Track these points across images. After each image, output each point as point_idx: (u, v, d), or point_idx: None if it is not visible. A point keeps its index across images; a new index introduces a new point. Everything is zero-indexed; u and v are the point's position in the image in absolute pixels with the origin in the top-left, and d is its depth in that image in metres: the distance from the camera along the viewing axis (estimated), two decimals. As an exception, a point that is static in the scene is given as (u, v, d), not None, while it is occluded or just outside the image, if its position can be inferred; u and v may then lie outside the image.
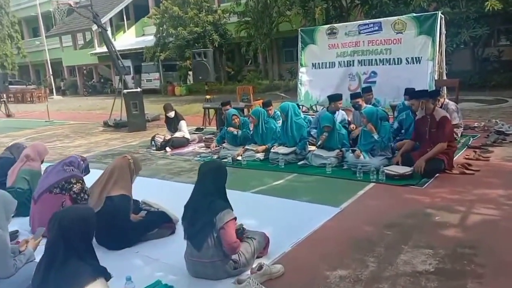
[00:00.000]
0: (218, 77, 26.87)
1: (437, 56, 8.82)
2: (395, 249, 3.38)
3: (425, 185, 4.83)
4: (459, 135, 6.92)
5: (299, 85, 11.00)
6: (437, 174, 5.13)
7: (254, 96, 11.22)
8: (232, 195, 4.72)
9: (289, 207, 4.49)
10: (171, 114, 8.40)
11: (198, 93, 24.16)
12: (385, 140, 5.53)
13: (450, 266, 3.07)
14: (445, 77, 9.13)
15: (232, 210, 3.04)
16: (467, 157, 5.85)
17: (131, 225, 3.75)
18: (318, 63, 10.64)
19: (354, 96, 7.26)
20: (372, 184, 5.03)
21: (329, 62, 10.46)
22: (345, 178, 5.34)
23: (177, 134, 8.22)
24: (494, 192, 4.46)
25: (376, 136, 5.51)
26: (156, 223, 3.87)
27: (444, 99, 6.93)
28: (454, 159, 5.48)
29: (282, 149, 6.34)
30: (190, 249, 3.07)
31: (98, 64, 32.76)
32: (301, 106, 9.27)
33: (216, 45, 22.82)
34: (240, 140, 6.88)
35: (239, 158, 6.51)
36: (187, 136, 8.32)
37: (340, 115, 7.20)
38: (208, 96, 10.47)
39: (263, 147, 6.57)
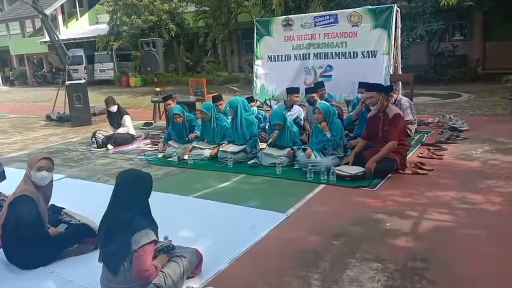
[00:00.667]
0: (175, 68, 26.20)
1: (392, 50, 8.67)
2: (342, 263, 3.07)
3: (377, 187, 4.57)
4: (413, 132, 6.77)
5: (254, 78, 10.63)
6: (389, 175, 4.89)
7: (208, 89, 10.76)
8: (170, 200, 4.34)
9: (232, 214, 4.10)
10: (113, 108, 7.81)
11: (154, 85, 23.33)
12: (337, 139, 5.25)
13: (399, 283, 2.79)
14: (400, 72, 9.01)
15: (154, 230, 2.60)
16: (420, 155, 5.67)
17: (46, 240, 3.25)
18: (274, 56, 10.31)
19: (309, 90, 6.96)
20: (322, 186, 4.73)
21: (285, 55, 10.15)
22: (295, 179, 5.01)
23: (121, 130, 7.65)
24: (447, 195, 4.26)
25: (328, 134, 5.22)
26: (76, 238, 3.39)
27: (398, 94, 6.74)
28: (408, 157, 5.28)
29: (231, 147, 5.95)
30: (106, 273, 2.63)
31: (48, 53, 31.10)
32: (255, 101, 8.89)
33: (173, 35, 22.05)
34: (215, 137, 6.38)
35: (185, 157, 6.06)
36: (132, 132, 7.77)
37: (296, 110, 6.88)
38: (157, 89, 9.91)
39: (215, 150, 6.15)
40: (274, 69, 10.32)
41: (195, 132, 6.41)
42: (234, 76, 21.91)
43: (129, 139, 7.61)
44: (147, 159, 6.36)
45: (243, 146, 5.93)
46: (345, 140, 6.04)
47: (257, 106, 8.61)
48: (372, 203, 4.16)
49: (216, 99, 6.94)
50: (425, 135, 6.86)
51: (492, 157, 5.46)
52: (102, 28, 25.79)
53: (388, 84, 8.26)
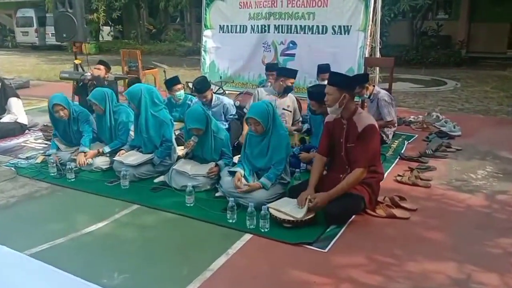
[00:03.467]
0: (135, 36, 23.80)
1: (370, 26, 6.88)
2: None
3: (329, 246, 2.86)
4: (390, 137, 5.08)
5: (202, 53, 8.69)
6: (353, 216, 3.21)
7: (144, 64, 8.77)
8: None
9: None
10: (-7, 87, 5.85)
11: (110, 52, 21.07)
12: (279, 169, 3.52)
13: None
14: (378, 53, 7.25)
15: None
16: (399, 179, 3.99)
17: None
18: (227, 26, 8.35)
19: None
20: (247, 237, 3.00)
21: (240, 26, 8.21)
22: (209, 221, 3.25)
23: (5, 118, 5.70)
24: (440, 271, 2.59)
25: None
26: None
27: (374, 86, 5.00)
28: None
29: (131, 157, 4.13)
30: None
31: (-2, 12, 28.06)
32: (214, 87, 6.97)
33: (134, -3, 19.67)
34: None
35: (72, 166, 4.19)
36: (22, 120, 5.83)
37: (290, 101, 5.06)
38: (76, 61, 7.85)
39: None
40: (226, 42, 8.38)
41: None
42: (198, 47, 19.76)
43: (15, 130, 5.67)
44: (15, 166, 4.47)
45: (149, 156, 4.12)
46: (297, 150, 4.32)
47: (215, 92, 6.74)
48: (317, 285, 2.45)
49: (170, 82, 5.11)
50: (406, 142, 5.18)
51: (499, 187, 3.83)
52: (53, -15, 23.00)
53: (362, 70, 6.57)
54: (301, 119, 5.13)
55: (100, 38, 23.84)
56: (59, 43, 23.33)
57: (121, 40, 24.44)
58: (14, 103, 5.74)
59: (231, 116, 4.93)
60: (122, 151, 4.24)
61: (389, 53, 8.69)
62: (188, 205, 3.48)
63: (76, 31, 7.43)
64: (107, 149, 4.37)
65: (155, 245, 2.93)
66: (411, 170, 4.18)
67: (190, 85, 6.73)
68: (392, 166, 4.39)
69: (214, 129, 3.87)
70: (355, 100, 3.29)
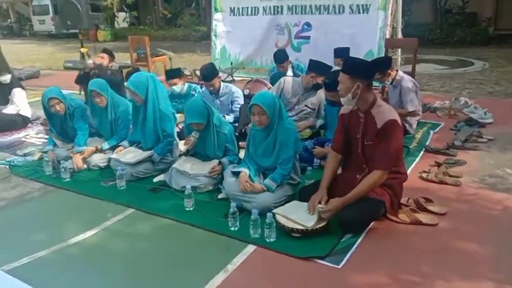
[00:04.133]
0: (151, 21, 23.46)
1: (391, 5, 6.35)
2: None
3: (343, 261, 2.48)
4: (414, 127, 4.62)
5: (213, 37, 8.30)
6: (372, 223, 2.82)
7: (152, 50, 8.42)
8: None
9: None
10: (6, 78, 5.60)
11: (126, 39, 20.73)
12: (286, 169, 3.12)
13: None
14: (400, 34, 6.72)
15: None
16: (424, 176, 3.55)
17: None
18: (238, 8, 7.93)
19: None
20: (250, 248, 2.64)
21: (252, 8, 7.78)
22: (209, 229, 2.90)
23: (8, 109, 5.46)
24: (477, 292, 2.19)
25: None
26: None
27: (397, 71, 4.52)
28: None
29: (129, 155, 3.80)
30: None
31: (15, 1, 28.07)
32: (223, 75, 6.58)
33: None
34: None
35: (66, 165, 3.90)
36: (25, 112, 5.58)
37: (316, 99, 4.43)
38: (82, 49, 7.56)
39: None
40: (238, 26, 7.96)
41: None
42: (213, 32, 19.27)
43: (17, 123, 5.42)
44: (10, 165, 4.21)
45: (148, 153, 3.78)
46: (310, 144, 3.92)
47: (223, 81, 6.34)
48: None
49: (170, 75, 4.79)
50: (431, 132, 4.71)
51: (542, 186, 3.36)
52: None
53: (383, 54, 6.08)
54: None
55: (116, 25, 23.59)
56: (69, 31, 23.46)
57: (137, 27, 24.13)
58: (17, 93, 5.49)
59: (238, 106, 4.53)
60: (120, 148, 3.92)
61: (411, 33, 8.10)
62: (188, 209, 3.14)
63: (81, 18, 7.14)
64: (105, 145, 4.06)
65: (146, 259, 2.60)
66: (438, 165, 3.74)
67: (198, 72, 6.35)
68: (416, 160, 3.95)
69: (216, 123, 3.50)
70: (373, 86, 2.84)
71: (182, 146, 3.93)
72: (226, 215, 2.92)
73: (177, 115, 4.17)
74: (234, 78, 6.64)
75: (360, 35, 6.61)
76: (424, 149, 4.19)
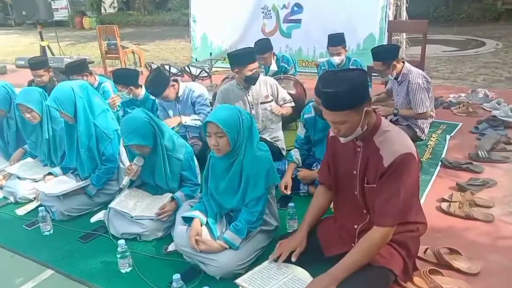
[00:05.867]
0: (138, 6, 22.30)
1: (393, -21, 5.41)
2: None
3: None
4: (427, 131, 3.71)
5: (192, 23, 7.34)
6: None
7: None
8: None
9: None
10: None
11: (114, 26, 19.73)
12: (255, 212, 2.23)
13: None
14: (405, 14, 5.77)
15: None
16: (445, 208, 2.68)
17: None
18: (219, -12, 6.95)
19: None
20: None
21: (234, -13, 6.80)
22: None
23: None
24: None
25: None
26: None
27: (404, 62, 3.59)
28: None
29: (58, 187, 2.92)
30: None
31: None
32: (195, 70, 5.54)
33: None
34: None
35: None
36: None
37: (264, 87, 3.53)
38: (43, 43, 6.62)
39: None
40: (219, 9, 7.01)
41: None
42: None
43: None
44: None
45: (80, 183, 2.92)
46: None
47: (197, 76, 5.26)
48: None
49: (117, 79, 3.74)
50: (447, 137, 3.83)
51: None
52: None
53: (385, 37, 5.17)
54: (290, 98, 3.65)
55: (102, 11, 22.48)
56: (61, 18, 22.34)
57: (125, 12, 22.98)
58: None
59: (204, 108, 3.57)
60: (49, 177, 3.05)
61: (413, 10, 7.14)
62: (123, 271, 2.29)
63: (37, 9, 6.17)
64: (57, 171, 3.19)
65: None
66: (460, 189, 2.86)
67: (168, 67, 5.39)
68: (432, 179, 3.08)
69: (167, 145, 2.62)
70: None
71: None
72: (171, 283, 2.06)
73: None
74: (211, 73, 5.64)
75: (358, 17, 5.67)
76: (440, 162, 3.31)
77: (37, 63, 4.15)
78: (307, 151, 3.12)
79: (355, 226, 2.00)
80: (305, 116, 3.02)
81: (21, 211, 3.04)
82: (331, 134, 2.09)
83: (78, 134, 2.86)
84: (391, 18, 5.50)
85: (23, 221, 2.90)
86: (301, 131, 3.08)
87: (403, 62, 3.54)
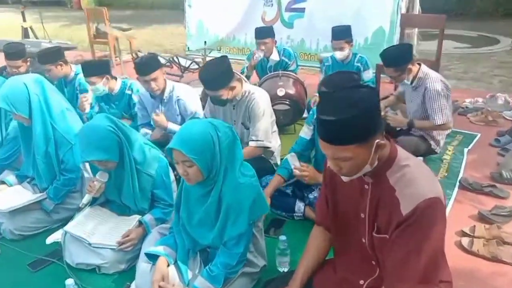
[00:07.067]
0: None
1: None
2: None
3: None
4: (442, 144, 3.26)
5: (187, 8, 6.83)
6: None
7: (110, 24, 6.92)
8: None
9: None
10: None
11: (113, 6, 19.09)
12: (236, 253, 1.79)
13: None
14: (418, 7, 5.27)
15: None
16: (467, 246, 2.24)
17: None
18: (216, -28, 6.44)
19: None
20: None
21: (233, -29, 6.29)
22: None
23: None
24: None
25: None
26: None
27: (420, 65, 3.12)
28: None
29: (10, 198, 2.48)
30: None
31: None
32: (185, 61, 4.99)
33: None
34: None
35: None
36: None
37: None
38: (25, 24, 6.09)
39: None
40: (217, -6, 6.51)
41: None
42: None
43: None
44: None
45: (35, 196, 2.47)
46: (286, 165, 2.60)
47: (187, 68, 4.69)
48: None
49: (87, 71, 3.16)
50: (465, 150, 3.38)
51: None
52: None
53: (396, 31, 4.70)
54: None
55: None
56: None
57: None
58: None
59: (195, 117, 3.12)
60: (1, 186, 2.60)
61: (423, 4, 6.64)
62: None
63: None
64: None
65: None
66: (483, 220, 2.42)
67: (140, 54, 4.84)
68: (450, 204, 2.64)
69: (137, 157, 2.17)
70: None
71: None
72: None
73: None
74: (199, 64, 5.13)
75: (367, 8, 5.20)
76: (458, 183, 2.87)
77: (14, 53, 3.66)
78: (309, 157, 2.67)
79: (361, 282, 1.57)
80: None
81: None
82: (329, 164, 1.64)
83: (34, 138, 2.41)
84: (403, 11, 5.01)
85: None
86: (306, 132, 2.57)
87: (419, 65, 3.07)
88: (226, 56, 2.64)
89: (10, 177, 2.64)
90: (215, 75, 2.48)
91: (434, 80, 2.99)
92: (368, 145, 1.29)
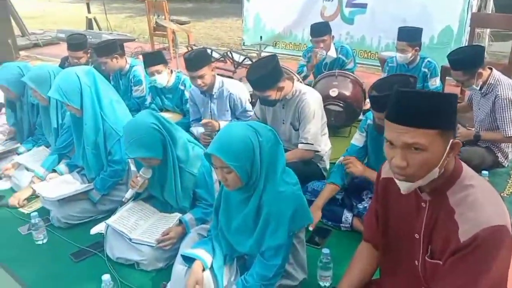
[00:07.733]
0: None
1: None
2: None
3: None
4: (510, 157, 2.97)
5: (245, 2, 6.77)
6: None
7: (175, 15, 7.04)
8: None
9: None
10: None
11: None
12: (269, 274, 1.69)
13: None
14: (491, 7, 4.87)
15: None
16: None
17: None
18: (276, -35, 6.34)
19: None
20: None
21: (294, -36, 6.16)
22: None
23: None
24: None
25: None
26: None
27: (491, 70, 2.84)
28: None
29: (61, 186, 2.54)
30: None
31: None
32: (239, 56, 4.96)
33: None
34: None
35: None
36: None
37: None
38: (90, 15, 6.31)
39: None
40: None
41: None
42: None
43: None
44: None
45: (83, 186, 2.52)
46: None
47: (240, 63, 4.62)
48: None
49: (148, 61, 3.24)
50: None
51: None
52: None
53: (465, 32, 4.37)
54: None
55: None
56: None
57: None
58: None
59: (247, 114, 3.07)
60: (52, 175, 2.68)
61: (497, 2, 6.13)
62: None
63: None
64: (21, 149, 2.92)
65: None
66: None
67: (210, 51, 4.85)
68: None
69: (180, 155, 2.13)
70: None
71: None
72: None
73: (166, 114, 2.89)
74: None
75: (435, 5, 4.87)
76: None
77: (75, 44, 3.80)
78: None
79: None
80: (368, 121, 2.38)
81: (25, 208, 2.71)
82: (383, 174, 1.49)
83: (84, 128, 2.45)
84: (474, 9, 4.64)
85: (20, 222, 2.56)
86: (358, 139, 2.44)
87: (490, 69, 2.80)
88: (275, 55, 2.54)
89: (61, 166, 2.71)
90: (262, 75, 2.40)
91: (506, 87, 2.72)
92: (446, 138, 1.16)
